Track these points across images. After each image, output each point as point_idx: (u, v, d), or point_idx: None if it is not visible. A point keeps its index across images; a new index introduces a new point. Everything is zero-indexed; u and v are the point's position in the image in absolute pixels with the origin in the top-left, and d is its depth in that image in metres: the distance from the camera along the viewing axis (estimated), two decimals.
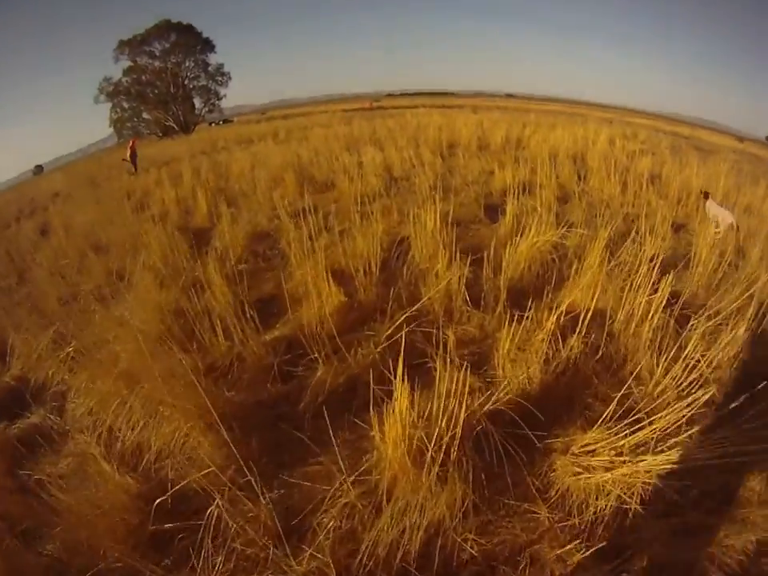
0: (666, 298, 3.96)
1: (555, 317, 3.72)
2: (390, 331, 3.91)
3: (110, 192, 14.21)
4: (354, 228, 5.93)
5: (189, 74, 52.88)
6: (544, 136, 15.66)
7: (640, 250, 4.85)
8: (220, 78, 54.52)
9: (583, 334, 3.73)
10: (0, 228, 12.91)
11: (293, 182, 9.51)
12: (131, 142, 20.92)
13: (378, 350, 3.91)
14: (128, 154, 19.78)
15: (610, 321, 4.20)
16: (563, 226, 5.66)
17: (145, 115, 51.65)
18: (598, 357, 3.85)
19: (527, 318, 3.82)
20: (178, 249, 6.62)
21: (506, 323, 3.75)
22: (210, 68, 53.86)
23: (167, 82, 51.25)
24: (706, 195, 7.93)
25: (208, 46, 53.05)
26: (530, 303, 3.98)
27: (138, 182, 14.70)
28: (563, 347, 3.72)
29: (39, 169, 64.83)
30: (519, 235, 5.31)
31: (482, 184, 8.82)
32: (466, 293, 4.59)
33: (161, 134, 50.60)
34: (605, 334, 4.04)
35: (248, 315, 4.20)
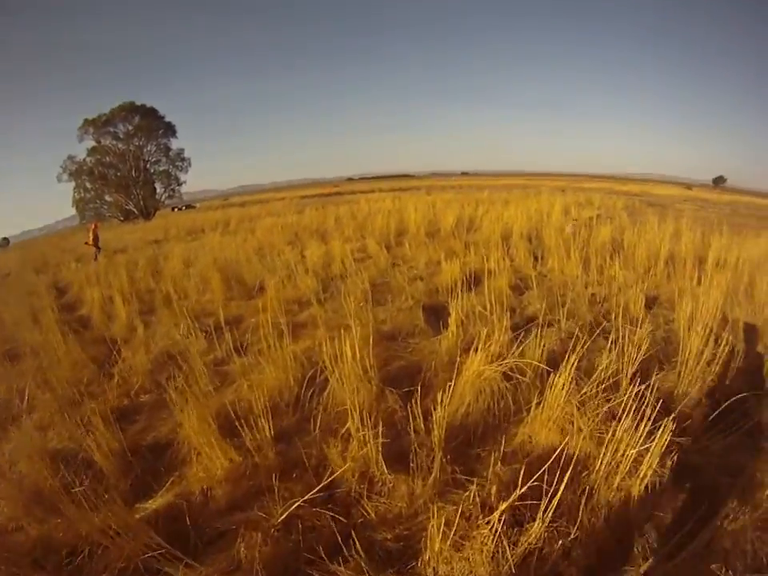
0: (663, 443, 3.01)
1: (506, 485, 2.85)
2: (284, 516, 3.02)
3: (52, 281, 13.58)
4: (270, 351, 5.01)
5: (150, 157, 52.84)
6: (497, 214, 15.13)
7: (615, 355, 4.23)
8: (180, 164, 54.49)
9: (549, 511, 2.65)
10: None
11: (220, 286, 8.62)
12: (93, 226, 20.27)
13: (270, 538, 2.97)
14: (90, 238, 19.23)
15: (585, 473, 3.23)
16: (518, 334, 4.93)
17: (107, 197, 51.06)
18: (568, 547, 2.80)
19: (472, 483, 2.99)
20: (85, 368, 5.97)
21: (437, 499, 2.92)
22: (171, 153, 53.91)
23: (129, 164, 51.02)
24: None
25: (170, 130, 53.26)
26: (475, 457, 3.25)
27: (83, 271, 13.76)
28: (520, 535, 2.74)
29: (5, 241, 64.19)
30: (465, 351, 4.54)
31: (426, 279, 7.99)
32: (393, 446, 3.66)
33: (122, 218, 50.05)
34: (580, 507, 2.90)
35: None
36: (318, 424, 4.06)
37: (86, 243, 19.74)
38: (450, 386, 3.82)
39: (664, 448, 3.02)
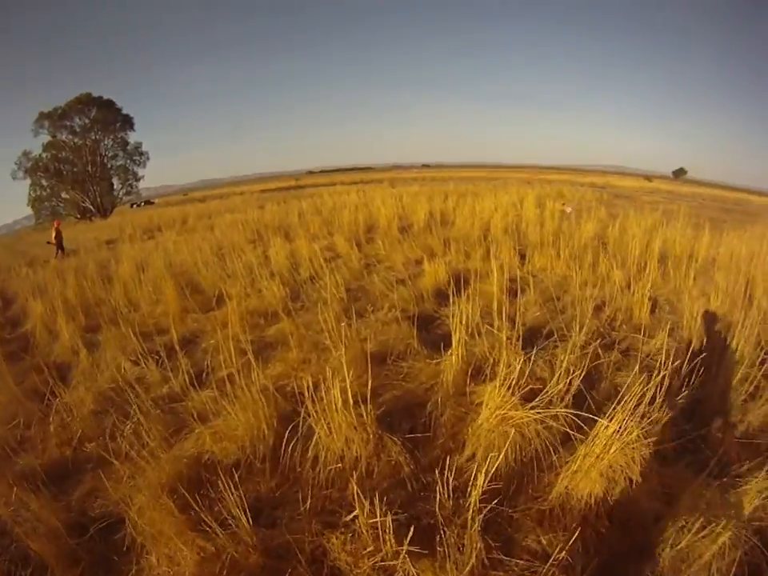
0: None
1: None
2: None
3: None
4: (235, 382, 4.03)
5: (107, 152, 50.63)
6: (470, 207, 14.23)
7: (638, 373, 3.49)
8: (138, 158, 52.26)
9: None
10: None
11: (175, 295, 7.65)
12: (56, 224, 19.40)
13: None
14: (53, 237, 18.54)
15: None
16: (529, 351, 4.11)
17: (63, 195, 48.85)
18: None
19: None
20: (20, 406, 5.05)
21: None
22: (128, 147, 51.71)
23: (85, 159, 48.78)
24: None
25: (128, 123, 50.97)
26: (508, 521, 2.69)
27: (33, 278, 12.52)
28: None
29: None
30: (473, 377, 3.99)
31: (409, 283, 6.97)
32: (406, 519, 2.81)
33: (78, 216, 48.13)
34: None
35: None
36: (306, 493, 3.20)
37: (49, 242, 19.12)
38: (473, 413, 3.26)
39: None
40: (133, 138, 52.17)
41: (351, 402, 3.38)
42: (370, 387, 3.41)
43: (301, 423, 3.58)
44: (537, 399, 3.37)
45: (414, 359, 4.75)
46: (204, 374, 5.16)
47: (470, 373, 4.14)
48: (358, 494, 2.56)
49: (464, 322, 4.22)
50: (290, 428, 3.61)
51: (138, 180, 53.00)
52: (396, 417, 3.81)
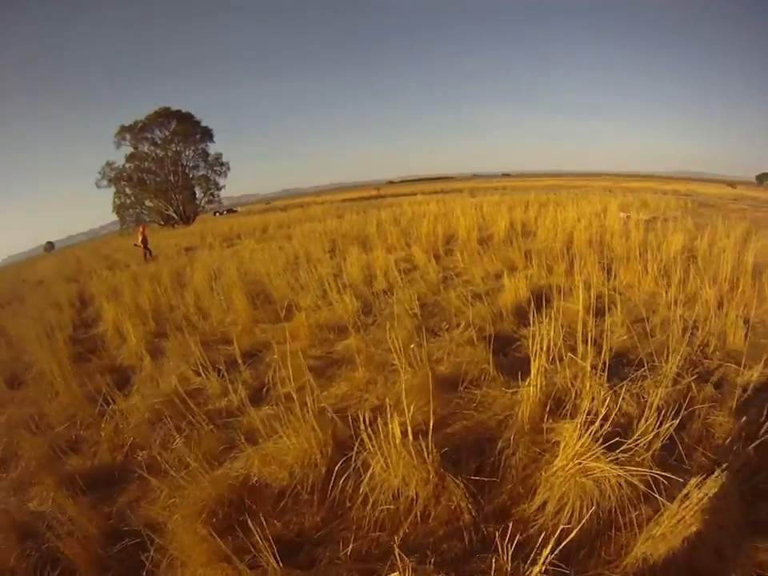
0: None
1: None
2: None
3: (78, 293, 13.25)
4: (295, 401, 3.69)
5: (189, 162, 53.11)
6: (552, 218, 13.58)
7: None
8: (219, 168, 54.55)
9: None
10: None
11: (245, 305, 7.55)
12: (142, 228, 21.00)
13: None
14: (139, 240, 20.00)
15: None
16: (614, 383, 3.80)
17: (147, 202, 51.60)
18: None
19: None
20: (80, 408, 5.27)
21: None
22: (209, 157, 54.03)
23: (167, 170, 51.40)
24: None
25: (207, 134, 53.37)
26: None
27: (111, 281, 13.21)
28: None
29: (50, 245, 65.90)
30: (552, 412, 3.60)
31: (487, 299, 6.52)
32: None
33: (162, 223, 50.42)
34: None
35: None
36: (351, 534, 2.95)
37: (136, 245, 20.53)
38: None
39: None
40: (213, 149, 54.24)
41: (411, 436, 3.07)
42: (433, 420, 3.09)
43: (357, 453, 3.31)
44: (621, 448, 2.94)
45: (488, 386, 4.32)
46: (265, 390, 5.04)
47: (548, 406, 3.73)
48: (400, 555, 2.24)
49: (544, 348, 3.84)
50: (345, 457, 3.36)
51: (219, 189, 55.09)
52: (463, 452, 3.45)
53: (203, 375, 5.29)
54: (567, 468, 2.94)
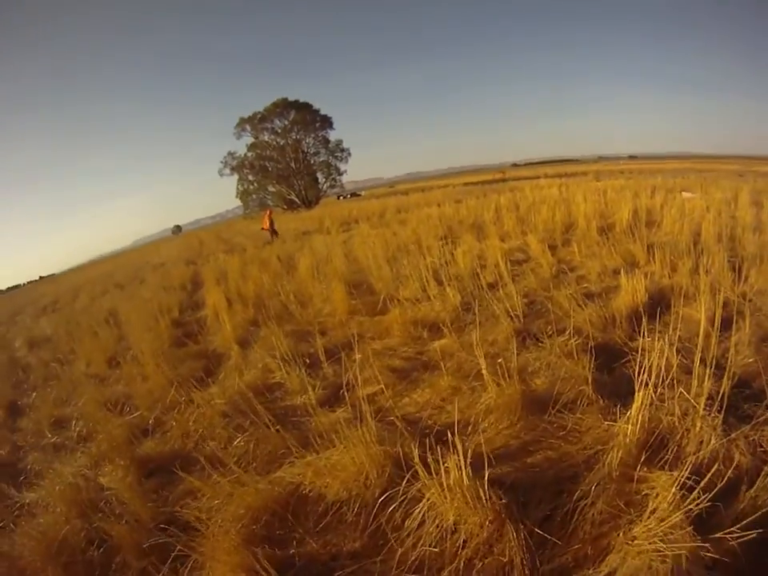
0: None
1: None
2: None
3: (193, 275, 14.04)
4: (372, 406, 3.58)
5: (309, 149, 55.09)
6: (679, 206, 12.43)
7: None
8: (339, 154, 56.18)
9: None
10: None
11: (344, 296, 7.34)
12: (268, 212, 22.10)
13: None
14: (266, 224, 20.96)
15: None
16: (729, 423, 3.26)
17: (270, 188, 54.13)
18: None
19: None
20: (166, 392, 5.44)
21: None
22: (330, 144, 55.58)
23: (289, 157, 53.51)
24: None
25: (326, 122, 55.03)
26: None
27: (226, 264, 13.62)
28: None
29: (178, 229, 69.55)
30: (649, 459, 3.05)
31: (600, 300, 5.97)
32: None
33: (285, 207, 51.95)
34: None
35: None
36: (387, 570, 2.67)
37: (263, 228, 21.45)
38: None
39: None
40: (333, 136, 55.83)
41: (469, 469, 2.72)
42: (515, 444, 2.82)
43: (415, 477, 2.99)
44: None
45: (584, 411, 3.78)
46: (344, 389, 4.77)
47: (647, 448, 3.17)
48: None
49: (653, 375, 3.30)
50: (403, 480, 3.04)
51: (340, 174, 57.00)
52: (538, 491, 3.00)
53: (283, 370, 5.21)
54: (650, 535, 2.44)
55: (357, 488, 3.19)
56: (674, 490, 2.56)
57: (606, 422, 3.55)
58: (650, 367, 3.32)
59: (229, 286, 9.53)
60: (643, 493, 2.80)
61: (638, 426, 3.21)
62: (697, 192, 15.00)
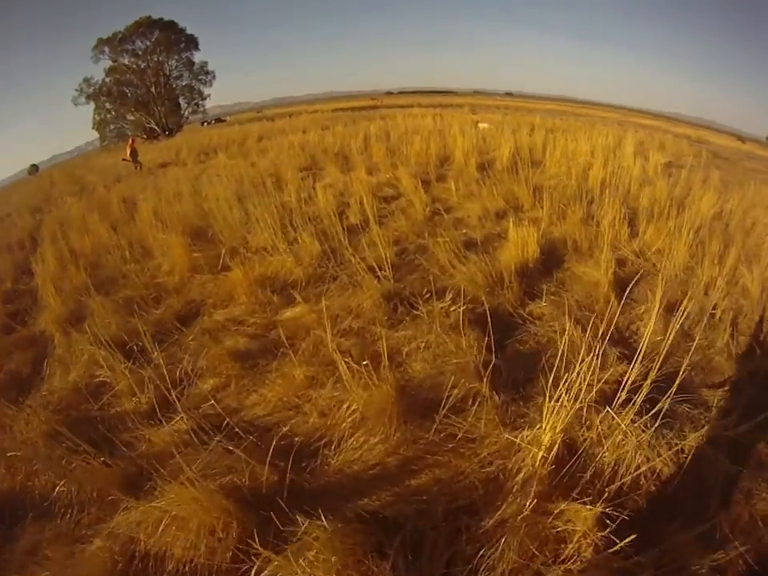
0: None
1: None
2: None
3: (30, 230, 11.69)
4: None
5: (172, 72, 50.87)
6: (562, 148, 11.61)
7: None
8: (203, 77, 52.16)
9: None
10: None
11: (185, 251, 6.18)
12: (131, 141, 20.89)
13: None
14: (128, 153, 19.53)
15: None
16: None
17: (129, 116, 49.76)
18: None
19: None
20: None
21: None
22: (194, 67, 51.70)
23: (149, 81, 49.37)
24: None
25: (192, 42, 50.98)
26: None
27: (70, 211, 11.90)
28: None
29: (35, 168, 65.60)
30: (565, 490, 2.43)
31: (483, 252, 5.17)
32: None
33: (144, 137, 48.32)
34: None
35: None
36: None
37: (124, 159, 19.88)
38: None
39: None
40: (198, 57, 52.10)
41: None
42: (394, 462, 2.15)
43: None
44: None
45: (477, 414, 2.96)
46: (180, 388, 3.75)
47: (561, 471, 2.45)
48: None
49: (557, 365, 2.53)
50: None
51: (203, 99, 53.08)
52: (427, 531, 2.26)
53: (109, 363, 4.05)
54: None
55: (206, 547, 2.40)
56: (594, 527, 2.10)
57: (507, 433, 2.75)
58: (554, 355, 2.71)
59: (66, 242, 8.02)
60: (559, 529, 2.21)
61: (549, 445, 2.51)
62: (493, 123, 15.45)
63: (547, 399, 2.50)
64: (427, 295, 4.29)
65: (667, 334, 2.89)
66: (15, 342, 5.48)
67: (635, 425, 2.60)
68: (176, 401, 3.33)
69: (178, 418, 3.30)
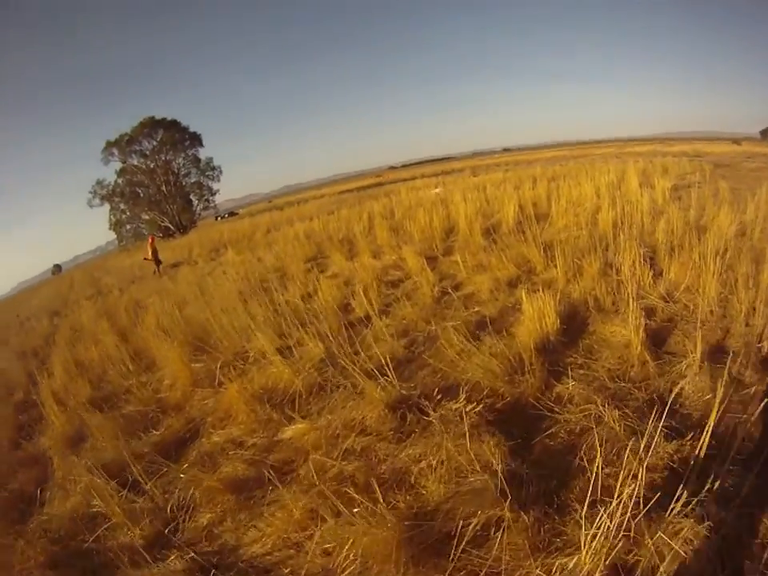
0: None
1: None
2: None
3: (46, 336, 11.65)
4: None
5: (180, 170, 52.25)
6: (567, 195, 11.37)
7: None
8: (211, 173, 53.64)
9: None
10: None
11: (183, 365, 5.83)
12: (150, 240, 20.01)
13: None
14: (149, 253, 18.79)
15: None
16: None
17: (144, 216, 50.88)
18: None
19: None
20: None
21: None
22: (200, 163, 53.08)
23: (159, 180, 50.53)
24: None
25: (196, 140, 52.41)
26: None
27: (83, 316, 11.76)
28: None
29: (58, 268, 66.70)
30: None
31: (496, 331, 4.73)
32: None
33: (161, 235, 48.90)
34: None
35: None
36: None
37: (145, 259, 19.32)
38: None
39: None
40: (204, 153, 53.51)
41: None
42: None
43: None
44: None
45: (503, 541, 2.42)
46: (173, 525, 3.43)
47: None
48: None
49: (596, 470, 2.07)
50: None
51: (213, 194, 54.47)
52: None
53: (102, 493, 3.84)
54: None
55: None
56: None
57: (540, 561, 2.26)
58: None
59: (74, 354, 8.00)
60: None
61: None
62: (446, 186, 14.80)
63: (583, 521, 2.03)
64: (438, 395, 3.84)
65: (716, 400, 2.46)
66: (20, 460, 5.37)
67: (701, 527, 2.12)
68: (171, 536, 3.13)
69: (174, 557, 3.05)
